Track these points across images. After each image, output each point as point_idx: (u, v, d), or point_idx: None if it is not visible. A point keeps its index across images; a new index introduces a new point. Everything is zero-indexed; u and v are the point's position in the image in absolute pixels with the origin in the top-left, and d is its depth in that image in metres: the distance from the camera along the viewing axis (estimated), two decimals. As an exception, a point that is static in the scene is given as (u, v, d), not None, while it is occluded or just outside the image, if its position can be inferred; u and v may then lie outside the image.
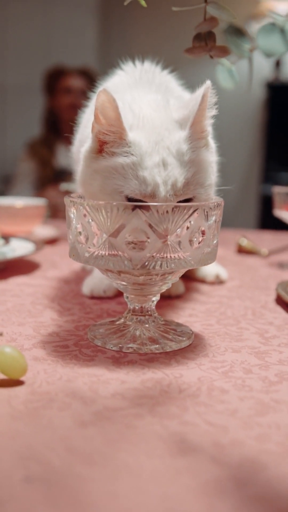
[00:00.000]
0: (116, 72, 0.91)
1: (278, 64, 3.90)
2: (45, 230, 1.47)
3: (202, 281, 1.03)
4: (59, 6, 4.00)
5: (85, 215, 0.64)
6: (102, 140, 0.66)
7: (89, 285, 0.91)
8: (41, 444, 0.46)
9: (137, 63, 0.88)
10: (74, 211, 0.66)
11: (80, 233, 0.66)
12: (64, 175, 3.03)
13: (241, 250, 1.32)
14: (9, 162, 3.66)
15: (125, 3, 0.57)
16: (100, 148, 0.67)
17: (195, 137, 0.67)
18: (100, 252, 0.64)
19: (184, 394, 0.56)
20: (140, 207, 0.61)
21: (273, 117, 3.92)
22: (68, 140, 3.22)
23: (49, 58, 3.78)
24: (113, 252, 0.63)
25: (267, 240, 1.54)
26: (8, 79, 4.00)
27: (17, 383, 0.57)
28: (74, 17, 4.04)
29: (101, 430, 0.48)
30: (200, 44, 0.56)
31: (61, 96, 3.12)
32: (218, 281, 1.03)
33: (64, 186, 1.56)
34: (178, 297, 0.92)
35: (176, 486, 0.41)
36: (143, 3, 0.58)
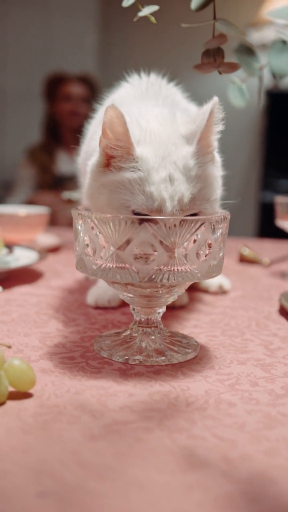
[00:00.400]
0: (122, 84, 0.92)
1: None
2: (47, 238, 1.47)
3: (205, 291, 1.04)
4: (59, 11, 4.01)
5: (92, 228, 0.65)
6: (109, 154, 0.67)
7: (93, 296, 0.92)
8: (53, 458, 0.46)
9: (143, 75, 0.89)
10: (82, 223, 0.67)
11: (87, 245, 0.67)
12: (64, 181, 3.04)
13: (243, 260, 1.33)
14: (9, 168, 3.66)
15: (135, 19, 0.58)
16: (107, 162, 0.67)
17: (202, 152, 0.68)
18: (108, 264, 0.65)
19: (192, 407, 0.56)
20: (147, 220, 0.61)
21: (272, 125, 3.93)
22: (68, 147, 3.21)
23: (49, 64, 3.80)
24: (120, 265, 0.64)
25: (268, 249, 1.55)
26: (8, 84, 4.00)
27: (26, 395, 0.58)
28: (74, 23, 4.06)
29: (110, 444, 0.49)
30: (209, 60, 0.57)
31: (61, 103, 3.13)
32: (221, 291, 1.04)
33: (66, 194, 1.56)
34: (182, 307, 0.93)
35: (188, 502, 0.41)
36: (153, 19, 0.58)
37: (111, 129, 0.65)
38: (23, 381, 0.57)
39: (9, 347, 0.58)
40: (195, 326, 0.84)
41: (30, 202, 2.86)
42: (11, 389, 0.58)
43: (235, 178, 4.24)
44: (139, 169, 0.65)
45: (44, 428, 0.51)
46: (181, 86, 0.93)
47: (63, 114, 3.12)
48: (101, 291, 0.92)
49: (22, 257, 1.14)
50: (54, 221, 2.61)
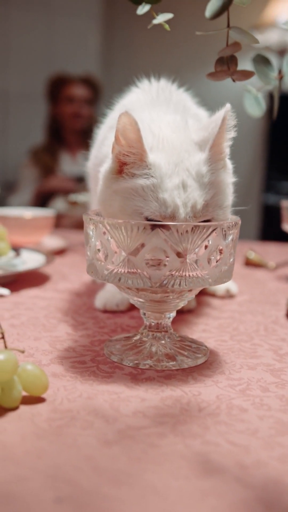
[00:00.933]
0: (132, 89, 0.92)
1: (280, 73, 3.92)
2: (53, 241, 1.48)
3: (213, 295, 1.04)
4: (62, 13, 4.02)
5: (104, 233, 0.65)
6: (122, 161, 0.67)
7: (102, 299, 0.92)
8: (68, 463, 0.47)
9: (153, 80, 0.89)
10: (93, 228, 0.67)
11: (98, 250, 0.67)
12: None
13: (249, 263, 1.33)
14: (12, 169, 3.67)
15: (149, 27, 0.59)
16: (120, 169, 0.68)
17: (214, 159, 0.68)
18: (119, 270, 0.65)
19: (204, 412, 0.57)
20: (160, 226, 0.61)
21: (275, 127, 3.94)
22: (71, 148, 3.21)
23: (51, 65, 3.80)
24: (132, 270, 0.64)
25: (273, 252, 1.55)
26: (11, 85, 4.01)
27: (39, 400, 0.58)
28: (77, 24, 4.06)
29: (125, 450, 0.49)
30: (222, 68, 0.58)
31: (64, 105, 3.13)
32: (228, 295, 1.04)
33: (72, 197, 1.57)
34: (190, 311, 0.93)
35: (203, 508, 0.42)
36: (167, 27, 0.59)
37: (124, 136, 0.65)
38: (36, 386, 0.58)
39: (22, 352, 0.59)
40: (204, 330, 0.84)
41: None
42: (24, 393, 0.59)
43: (238, 180, 4.24)
44: (152, 176, 0.65)
45: (58, 433, 0.51)
46: (191, 91, 0.93)
47: (66, 116, 3.13)
48: (109, 295, 0.92)
49: (29, 260, 1.15)
50: (59, 218, 2.63)
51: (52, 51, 4.05)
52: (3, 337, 0.58)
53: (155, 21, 0.58)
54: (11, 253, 1.13)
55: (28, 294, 1.00)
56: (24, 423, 0.53)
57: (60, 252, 1.42)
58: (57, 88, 3.19)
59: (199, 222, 0.67)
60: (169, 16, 0.58)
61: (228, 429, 0.53)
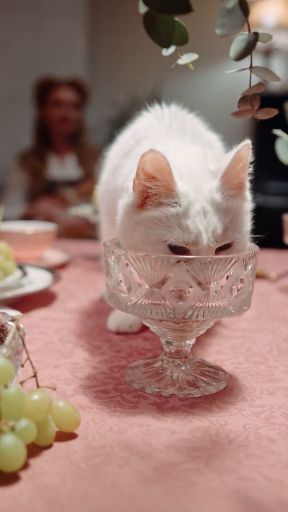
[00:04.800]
0: (144, 114, 0.93)
1: None
2: (54, 255, 1.48)
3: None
4: (48, 15, 4.00)
5: (127, 265, 0.66)
6: (145, 195, 0.68)
7: (115, 321, 0.93)
8: (113, 505, 0.48)
9: (164, 106, 0.90)
10: (115, 259, 0.68)
11: (120, 281, 0.68)
12: (56, 186, 3.04)
13: (250, 275, 1.34)
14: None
15: (172, 66, 0.60)
16: (143, 202, 0.68)
17: (227, 187, 0.69)
18: (143, 301, 0.66)
19: (234, 444, 0.58)
20: (183, 258, 0.63)
21: (262, 127, 3.97)
22: (59, 152, 3.19)
23: (38, 68, 3.78)
24: (155, 302, 0.65)
25: (271, 260, 1.57)
26: (-3, 88, 3.99)
27: (71, 436, 0.59)
28: (63, 27, 4.05)
29: (165, 488, 0.50)
30: (246, 107, 0.59)
31: (52, 109, 3.12)
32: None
33: (73, 210, 1.57)
34: (202, 331, 0.94)
35: None
36: (191, 66, 0.60)
37: (150, 171, 0.65)
38: (69, 423, 0.58)
39: (54, 389, 0.59)
40: (218, 352, 0.85)
41: (27, 215, 2.85)
42: (56, 429, 0.59)
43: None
44: (179, 204, 0.66)
45: (97, 473, 0.52)
46: (202, 117, 0.95)
47: (53, 120, 3.12)
48: (122, 316, 0.93)
49: (35, 278, 1.15)
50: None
51: (39, 53, 4.04)
52: (35, 376, 0.59)
53: (180, 62, 0.59)
54: (18, 272, 1.13)
55: (39, 316, 1.01)
56: (61, 462, 0.54)
57: (62, 266, 1.43)
58: (44, 91, 3.17)
59: (221, 246, 0.68)
60: (194, 56, 0.59)
61: (260, 462, 0.55)
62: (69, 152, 3.18)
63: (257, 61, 3.91)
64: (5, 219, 1.60)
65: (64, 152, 3.18)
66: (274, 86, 3.92)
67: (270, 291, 1.24)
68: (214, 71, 4.02)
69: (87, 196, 2.86)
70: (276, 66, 4.00)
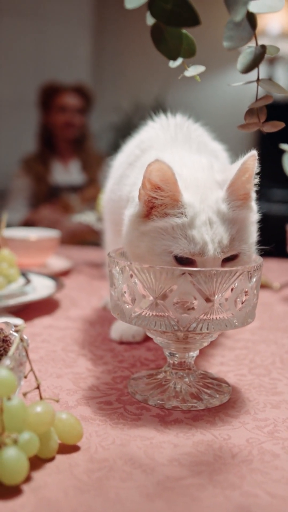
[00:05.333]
0: (149, 124, 0.93)
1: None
2: (58, 262, 1.48)
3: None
4: (53, 20, 4.02)
5: (131, 276, 0.66)
6: (151, 205, 0.68)
7: (118, 331, 0.93)
8: (115, 522, 0.47)
9: (169, 116, 0.90)
10: (119, 269, 0.68)
11: (124, 292, 0.68)
12: (59, 191, 3.04)
13: (254, 284, 1.34)
14: (2, 178, 3.66)
15: (179, 78, 0.59)
16: (148, 212, 0.68)
17: (233, 198, 0.69)
18: (147, 313, 0.66)
19: (237, 459, 0.58)
20: (188, 271, 0.62)
21: (265, 135, 3.97)
22: (63, 157, 3.21)
23: (43, 73, 3.79)
24: (159, 314, 0.65)
25: (275, 269, 1.57)
26: (2, 93, 4.00)
27: (73, 448, 0.59)
28: (68, 32, 4.06)
29: (168, 504, 0.50)
30: (253, 120, 0.59)
31: (56, 114, 3.12)
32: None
33: (76, 217, 1.57)
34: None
35: None
36: (198, 78, 0.60)
37: (156, 181, 0.65)
38: (72, 435, 0.58)
39: (57, 401, 0.59)
40: (221, 363, 0.85)
41: (29, 221, 2.85)
42: (58, 441, 0.59)
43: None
44: (185, 215, 0.66)
45: (100, 486, 0.52)
46: (206, 124, 0.95)
47: (58, 125, 3.12)
48: (125, 326, 0.93)
49: (38, 286, 1.15)
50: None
51: (43, 58, 4.05)
52: (38, 388, 0.59)
53: (187, 74, 0.59)
54: (21, 280, 1.13)
55: (42, 324, 1.01)
56: (64, 476, 0.54)
57: (65, 273, 1.42)
58: (49, 97, 3.18)
59: (227, 256, 0.68)
60: (201, 69, 0.59)
61: (264, 478, 0.54)
62: (73, 158, 3.18)
63: (262, 69, 3.90)
64: (8, 225, 1.60)
65: (68, 158, 3.18)
66: (279, 94, 3.93)
67: (273, 301, 1.24)
68: (219, 78, 4.03)
69: (90, 201, 2.86)
70: (281, 74, 4.01)
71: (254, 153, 0.65)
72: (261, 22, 3.70)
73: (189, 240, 0.66)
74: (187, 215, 0.66)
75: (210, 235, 0.66)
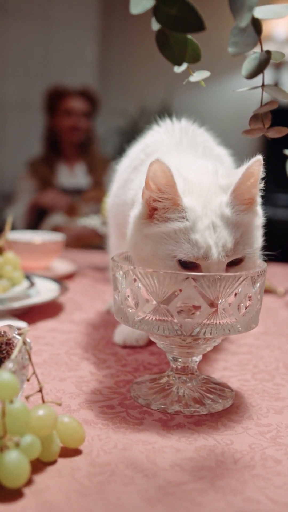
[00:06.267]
0: (154, 128, 0.93)
1: (276, 86, 3.95)
2: (62, 265, 1.48)
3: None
4: (59, 24, 4.03)
5: (135, 280, 0.66)
6: (153, 206, 0.68)
7: (121, 335, 0.93)
8: (116, 526, 0.47)
9: (174, 121, 0.90)
10: (122, 274, 0.68)
11: (128, 296, 0.68)
12: (64, 194, 3.05)
13: (258, 289, 1.34)
14: (9, 180, 3.67)
15: (184, 83, 0.60)
16: (150, 213, 0.69)
17: (237, 202, 0.69)
18: (150, 317, 0.66)
19: (240, 464, 0.58)
20: (192, 275, 0.62)
21: (270, 140, 3.97)
22: (68, 160, 3.22)
23: (48, 77, 3.81)
24: (163, 318, 0.65)
25: (279, 274, 1.56)
26: (8, 96, 4.02)
27: (75, 452, 0.59)
28: (74, 36, 4.08)
29: (169, 509, 0.50)
30: (257, 125, 0.59)
31: (62, 118, 3.13)
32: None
33: (81, 221, 1.57)
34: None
35: None
36: (203, 83, 0.60)
37: (156, 182, 0.66)
38: (74, 439, 0.58)
39: (59, 404, 0.59)
40: (225, 368, 0.85)
41: (33, 204, 2.90)
42: (60, 445, 0.59)
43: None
44: (186, 219, 0.66)
45: (101, 491, 0.52)
46: (211, 127, 0.95)
47: (63, 129, 3.13)
48: (128, 330, 0.93)
49: (42, 289, 1.15)
50: (58, 231, 2.65)
51: (49, 61, 4.06)
52: (40, 391, 0.59)
53: (192, 79, 0.59)
54: (25, 283, 1.13)
55: (46, 327, 1.01)
56: (65, 479, 0.54)
57: (69, 276, 1.43)
58: (55, 100, 3.19)
59: (231, 260, 0.68)
60: (206, 74, 0.59)
61: (266, 483, 0.54)
62: (78, 161, 3.19)
63: (268, 74, 3.91)
64: (14, 227, 1.60)
65: (74, 161, 3.19)
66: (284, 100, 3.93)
67: (277, 306, 1.24)
68: (225, 82, 4.03)
69: (91, 202, 2.88)
70: (287, 79, 4.01)
71: (259, 158, 0.65)
72: (268, 27, 3.70)
73: (192, 244, 0.66)
74: (189, 219, 0.66)
75: (214, 239, 0.66)
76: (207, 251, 0.66)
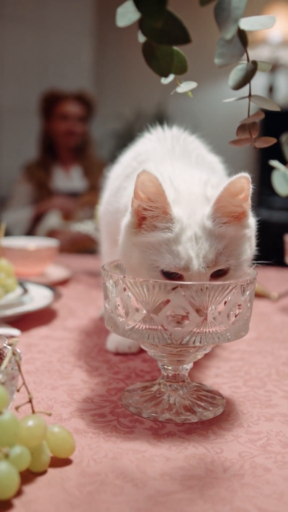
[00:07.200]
0: (146, 136, 0.94)
1: (271, 89, 3.97)
2: (56, 271, 1.48)
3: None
4: (55, 28, 4.04)
5: (124, 289, 0.67)
6: (142, 215, 0.69)
7: (114, 342, 0.93)
8: (105, 537, 0.47)
9: (166, 128, 0.91)
10: (113, 283, 0.68)
11: (118, 305, 0.68)
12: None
13: (251, 294, 1.34)
14: (4, 184, 3.67)
15: (172, 93, 0.60)
16: (139, 222, 0.69)
17: (219, 215, 0.68)
18: (140, 326, 0.66)
19: (229, 473, 0.58)
20: (181, 284, 0.63)
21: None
22: (64, 164, 3.23)
23: (45, 81, 3.81)
24: (153, 327, 0.65)
25: (273, 278, 1.57)
26: (4, 100, 4.02)
27: (66, 461, 0.59)
28: (70, 40, 4.09)
29: (158, 519, 0.50)
30: (245, 136, 0.59)
31: (57, 122, 3.14)
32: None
33: (75, 226, 1.58)
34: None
35: None
36: (190, 94, 0.60)
37: (145, 191, 0.66)
38: (64, 449, 0.58)
39: (49, 414, 0.59)
40: (216, 375, 0.85)
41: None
42: (50, 455, 0.59)
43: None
44: (170, 230, 0.67)
45: (90, 501, 0.52)
46: (204, 139, 0.95)
47: (59, 133, 3.14)
48: (121, 337, 0.93)
49: (36, 295, 1.15)
50: (53, 234, 2.67)
51: (45, 66, 4.07)
52: (30, 401, 0.59)
53: (179, 90, 0.60)
54: (19, 290, 1.14)
55: (39, 334, 1.01)
56: (55, 490, 0.54)
57: (63, 282, 1.43)
58: (50, 105, 3.19)
59: (214, 272, 0.68)
60: (193, 85, 0.59)
61: (255, 493, 0.54)
62: (74, 164, 3.20)
63: (263, 77, 3.93)
64: (8, 232, 1.60)
65: (70, 164, 3.19)
66: (280, 100, 3.94)
67: (270, 311, 1.24)
68: (219, 86, 4.04)
69: (86, 206, 2.88)
70: (282, 82, 4.02)
71: (245, 175, 0.65)
72: (262, 30, 3.71)
73: (174, 256, 0.67)
74: (173, 231, 0.67)
75: (195, 250, 0.67)
76: (188, 262, 0.66)
